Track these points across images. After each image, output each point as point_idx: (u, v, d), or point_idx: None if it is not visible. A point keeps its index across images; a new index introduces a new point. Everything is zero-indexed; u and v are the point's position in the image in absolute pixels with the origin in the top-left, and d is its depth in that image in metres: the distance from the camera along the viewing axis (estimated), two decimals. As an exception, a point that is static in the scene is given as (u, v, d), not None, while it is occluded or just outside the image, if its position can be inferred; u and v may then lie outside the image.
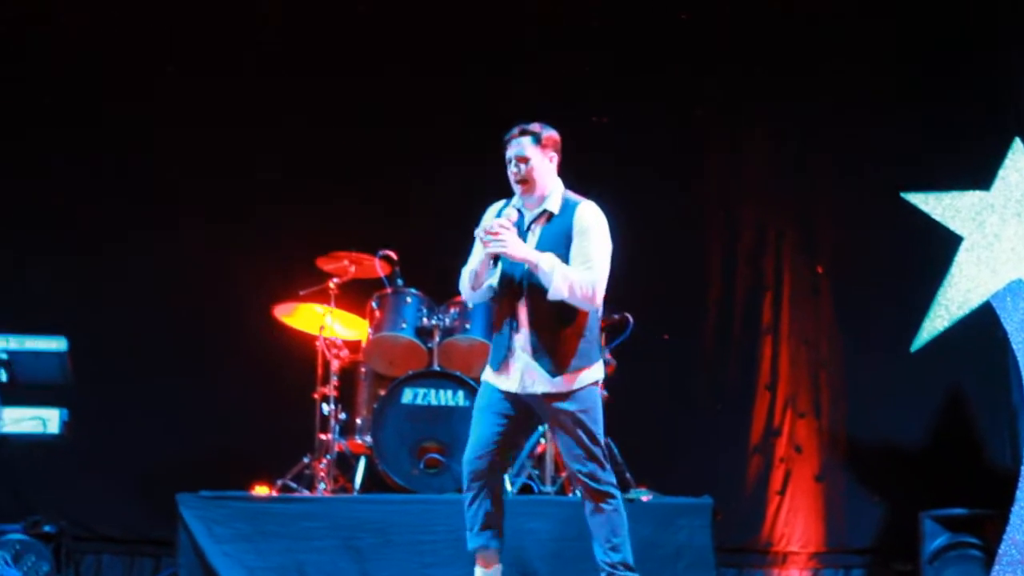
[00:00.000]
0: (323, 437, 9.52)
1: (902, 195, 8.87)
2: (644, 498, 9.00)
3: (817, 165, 10.67)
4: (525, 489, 9.38)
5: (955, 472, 10.00)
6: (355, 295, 9.93)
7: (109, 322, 10.05)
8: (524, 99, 10.26)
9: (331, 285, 9.73)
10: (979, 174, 8.83)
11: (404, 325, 9.62)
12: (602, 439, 7.17)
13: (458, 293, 9.54)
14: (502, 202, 7.24)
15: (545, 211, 7.07)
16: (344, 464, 9.59)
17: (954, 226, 8.71)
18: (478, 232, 7.00)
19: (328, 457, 9.41)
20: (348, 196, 10.49)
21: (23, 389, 8.61)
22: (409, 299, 9.71)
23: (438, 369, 9.49)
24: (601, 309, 7.22)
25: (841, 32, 10.61)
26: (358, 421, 9.70)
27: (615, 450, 9.59)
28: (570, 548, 8.69)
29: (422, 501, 8.98)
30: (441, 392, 9.36)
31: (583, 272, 6.89)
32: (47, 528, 8.79)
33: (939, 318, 8.71)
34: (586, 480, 7.08)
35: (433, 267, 10.10)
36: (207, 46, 10.53)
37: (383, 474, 9.26)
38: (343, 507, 8.84)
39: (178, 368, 10.07)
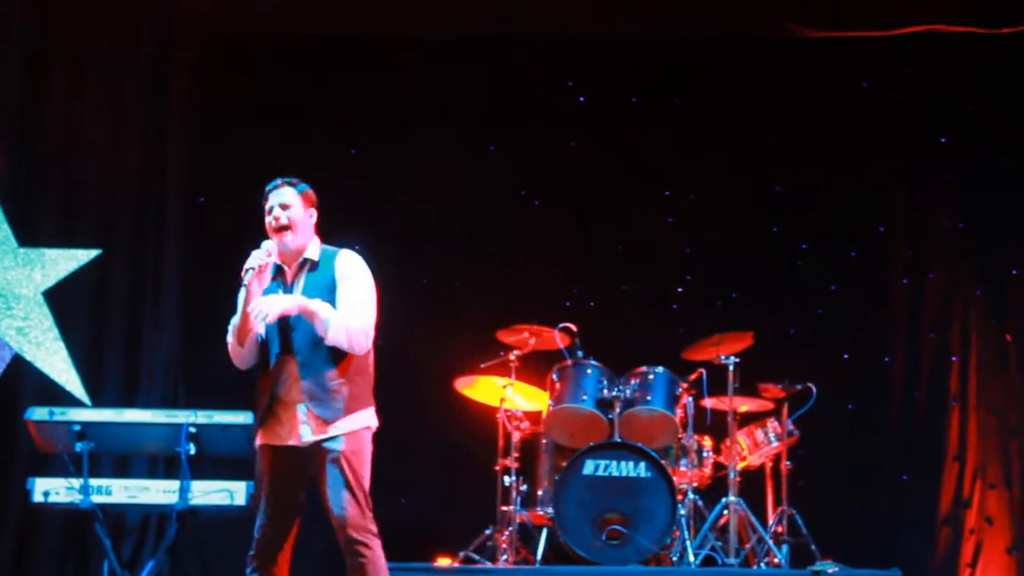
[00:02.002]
0: (505, 508, 9.53)
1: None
2: (830, 570, 8.86)
3: (1005, 231, 10.51)
4: (708, 561, 9.30)
5: None
6: (535, 367, 9.95)
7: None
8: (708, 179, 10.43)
9: (511, 357, 9.75)
10: None
11: (585, 397, 9.61)
12: (366, 485, 6.86)
13: (639, 364, 9.70)
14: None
15: (306, 260, 6.94)
16: (526, 535, 9.57)
17: None
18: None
19: (510, 528, 9.41)
20: (528, 270, 10.54)
21: (211, 462, 8.74)
22: (589, 371, 9.70)
23: (619, 440, 9.45)
24: (372, 354, 6.99)
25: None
26: (539, 492, 9.68)
27: (799, 521, 9.49)
28: (756, 621, 8.64)
29: (605, 573, 8.94)
30: (623, 463, 9.30)
31: (356, 318, 6.78)
32: (236, 599, 8.91)
33: None
34: (344, 525, 6.78)
35: (613, 339, 10.13)
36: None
37: (565, 545, 9.22)
38: (526, 579, 8.86)
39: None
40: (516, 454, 9.62)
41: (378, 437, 10.03)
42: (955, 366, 10.47)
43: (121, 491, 8.59)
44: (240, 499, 8.56)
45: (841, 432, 10.21)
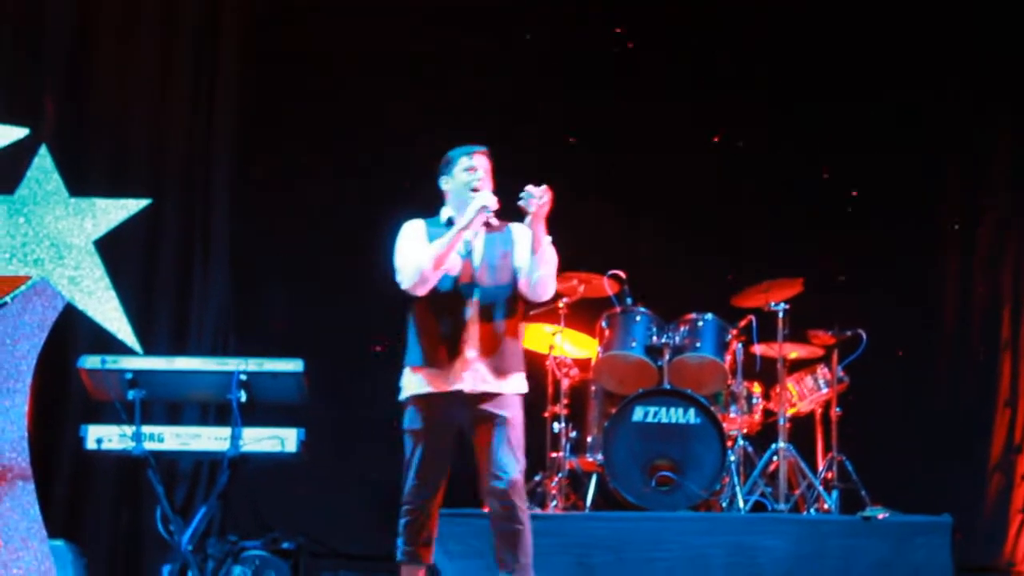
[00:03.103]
0: (554, 455, 9.57)
1: None
2: (880, 516, 8.85)
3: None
4: (758, 507, 9.32)
5: None
6: (584, 314, 9.95)
7: (345, 344, 10.20)
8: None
9: (560, 305, 9.76)
10: None
11: (634, 344, 9.62)
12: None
13: (688, 311, 9.68)
14: (421, 220, 7.28)
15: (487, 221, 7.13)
16: (576, 482, 9.61)
17: None
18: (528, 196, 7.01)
19: (560, 475, 9.45)
20: (576, 217, 10.51)
21: (262, 409, 8.77)
22: (639, 318, 9.70)
23: (668, 387, 9.46)
24: None
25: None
26: (589, 439, 9.71)
27: (849, 467, 9.48)
28: (806, 566, 8.63)
29: (654, 518, 8.95)
30: (672, 410, 9.32)
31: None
32: (286, 545, 8.93)
33: None
34: (509, 489, 6.96)
35: (662, 286, 10.11)
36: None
37: (614, 492, 9.26)
38: (575, 524, 8.86)
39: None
40: (565, 401, 9.65)
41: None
42: (1007, 312, 10.41)
43: (173, 438, 8.61)
44: (291, 446, 8.57)
45: (891, 378, 10.19)
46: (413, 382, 7.08)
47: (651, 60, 10.74)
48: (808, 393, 9.75)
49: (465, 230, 6.99)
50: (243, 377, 8.54)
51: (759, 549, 8.63)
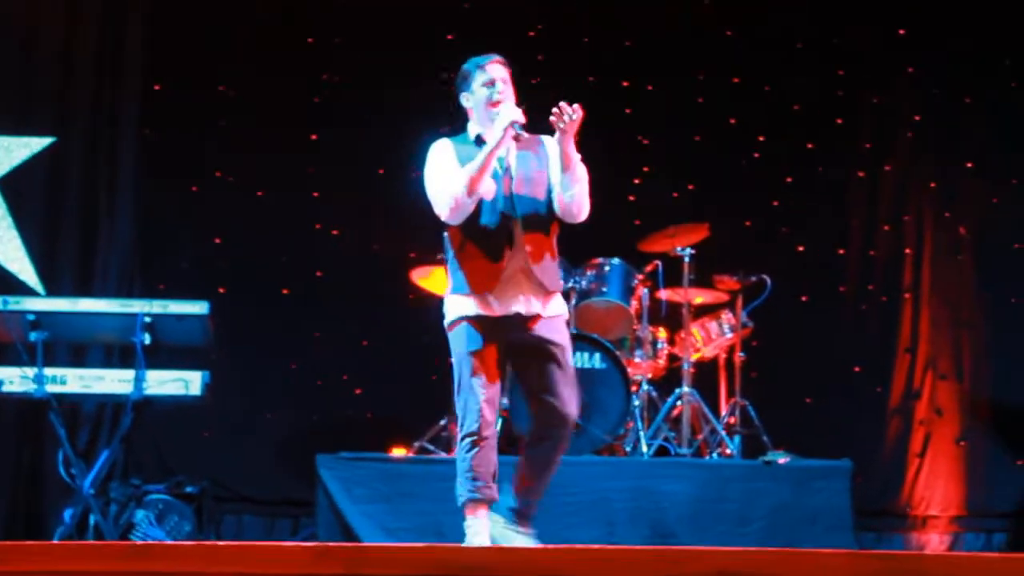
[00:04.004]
0: (460, 399, 9.56)
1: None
2: (781, 460, 8.95)
3: (962, 123, 10.54)
4: (661, 451, 9.37)
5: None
6: (492, 258, 9.93)
7: (251, 287, 10.16)
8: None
9: (466, 249, 9.72)
10: None
11: (541, 288, 9.61)
12: None
13: (595, 256, 9.69)
14: (448, 140, 6.98)
15: (518, 134, 6.89)
16: (481, 426, 9.62)
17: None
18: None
19: (465, 419, 9.44)
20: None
21: (166, 352, 8.73)
22: (545, 262, 9.70)
23: (575, 332, 9.46)
24: None
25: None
26: (495, 383, 9.72)
27: (752, 412, 9.58)
28: (709, 510, 8.69)
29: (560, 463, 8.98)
30: (578, 355, 9.27)
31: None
32: (189, 489, 8.92)
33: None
34: (566, 425, 6.80)
35: (569, 230, 10.10)
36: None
37: (519, 437, 9.27)
38: (480, 469, 8.87)
39: (318, 332, 10.16)
40: (471, 345, 9.63)
41: (336, 327, 10.14)
42: (908, 258, 10.54)
43: (76, 380, 8.56)
44: (195, 389, 8.55)
45: (794, 324, 10.25)
46: (461, 305, 6.87)
47: (566, 6, 10.69)
48: (713, 338, 9.82)
49: (496, 150, 6.74)
50: (148, 319, 8.52)
51: (662, 493, 8.69)
